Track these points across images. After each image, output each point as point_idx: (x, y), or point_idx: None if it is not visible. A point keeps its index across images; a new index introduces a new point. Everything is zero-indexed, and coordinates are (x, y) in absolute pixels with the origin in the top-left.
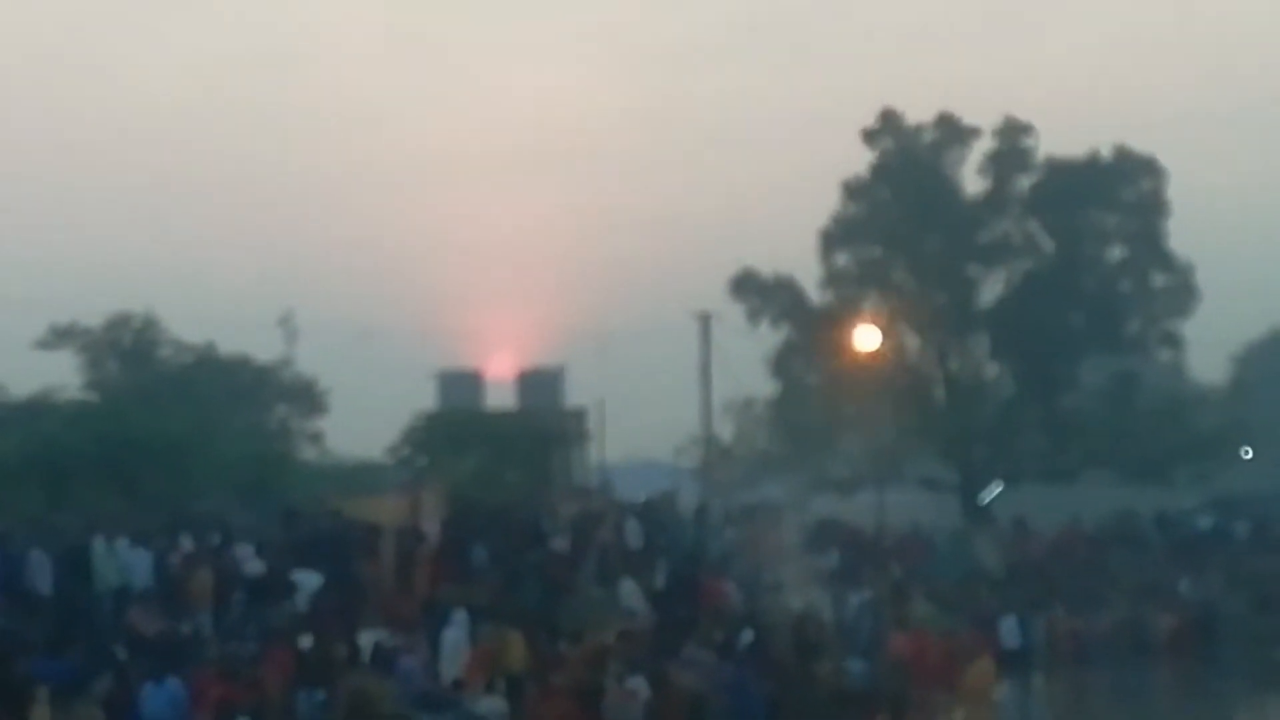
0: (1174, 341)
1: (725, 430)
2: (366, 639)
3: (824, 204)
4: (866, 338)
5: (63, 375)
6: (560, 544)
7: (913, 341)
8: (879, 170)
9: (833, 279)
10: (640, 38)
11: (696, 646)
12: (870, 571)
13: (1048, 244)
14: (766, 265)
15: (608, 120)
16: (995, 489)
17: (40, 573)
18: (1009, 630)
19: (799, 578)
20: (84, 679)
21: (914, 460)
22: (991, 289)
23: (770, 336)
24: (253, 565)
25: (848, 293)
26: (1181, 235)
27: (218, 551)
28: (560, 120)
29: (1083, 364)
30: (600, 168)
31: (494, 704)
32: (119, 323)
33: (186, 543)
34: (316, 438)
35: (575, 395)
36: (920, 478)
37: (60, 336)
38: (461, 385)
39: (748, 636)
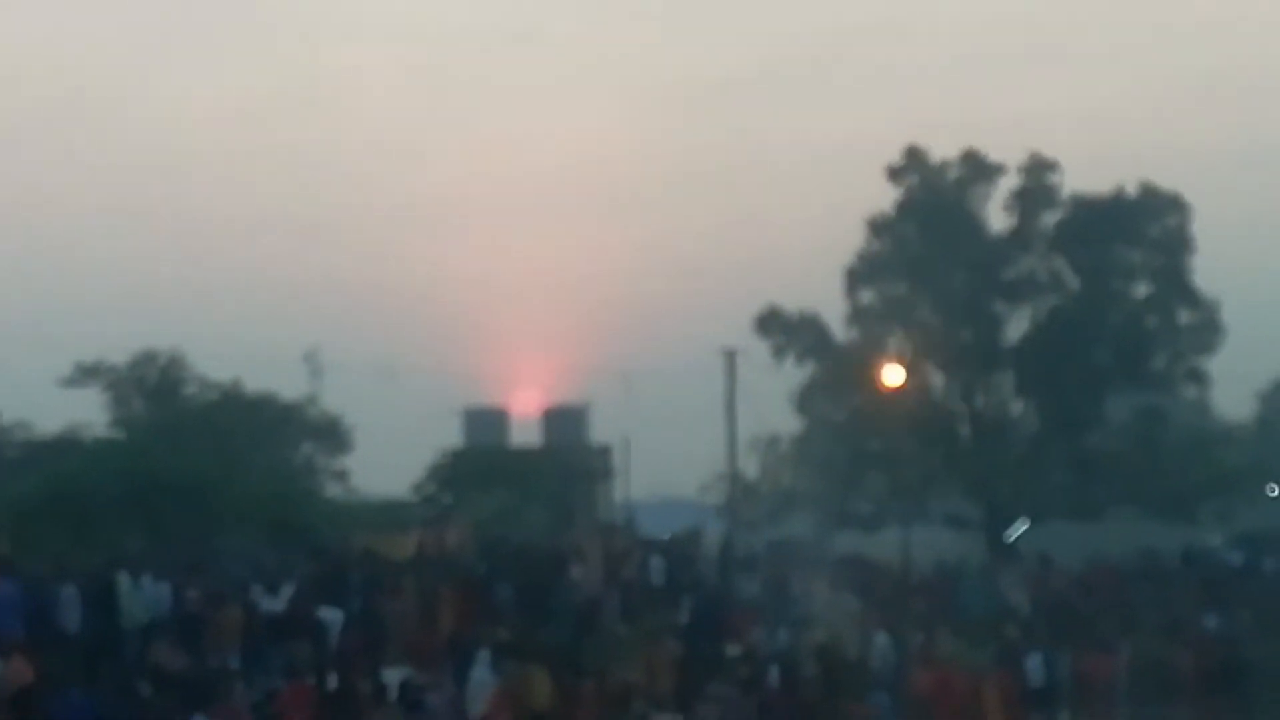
0: (1199, 378)
1: (750, 467)
2: (392, 677)
3: (849, 241)
4: (891, 374)
5: (88, 413)
6: (585, 581)
7: (938, 378)
8: (904, 207)
9: (857, 316)
10: (663, 76)
11: (722, 684)
12: (895, 608)
13: (1073, 281)
14: (791, 302)
15: (632, 158)
16: (1020, 526)
17: (69, 609)
18: (1034, 667)
19: (824, 615)
20: (111, 716)
21: (939, 497)
22: (1017, 326)
23: (795, 373)
24: (278, 603)
25: (872, 330)
26: (1207, 271)
27: (244, 588)
28: (584, 158)
29: (1108, 401)
30: (625, 205)
31: None
32: (144, 360)
33: (213, 580)
34: (342, 475)
35: (600, 432)
36: (945, 515)
37: (86, 374)
38: (486, 422)
39: (774, 674)
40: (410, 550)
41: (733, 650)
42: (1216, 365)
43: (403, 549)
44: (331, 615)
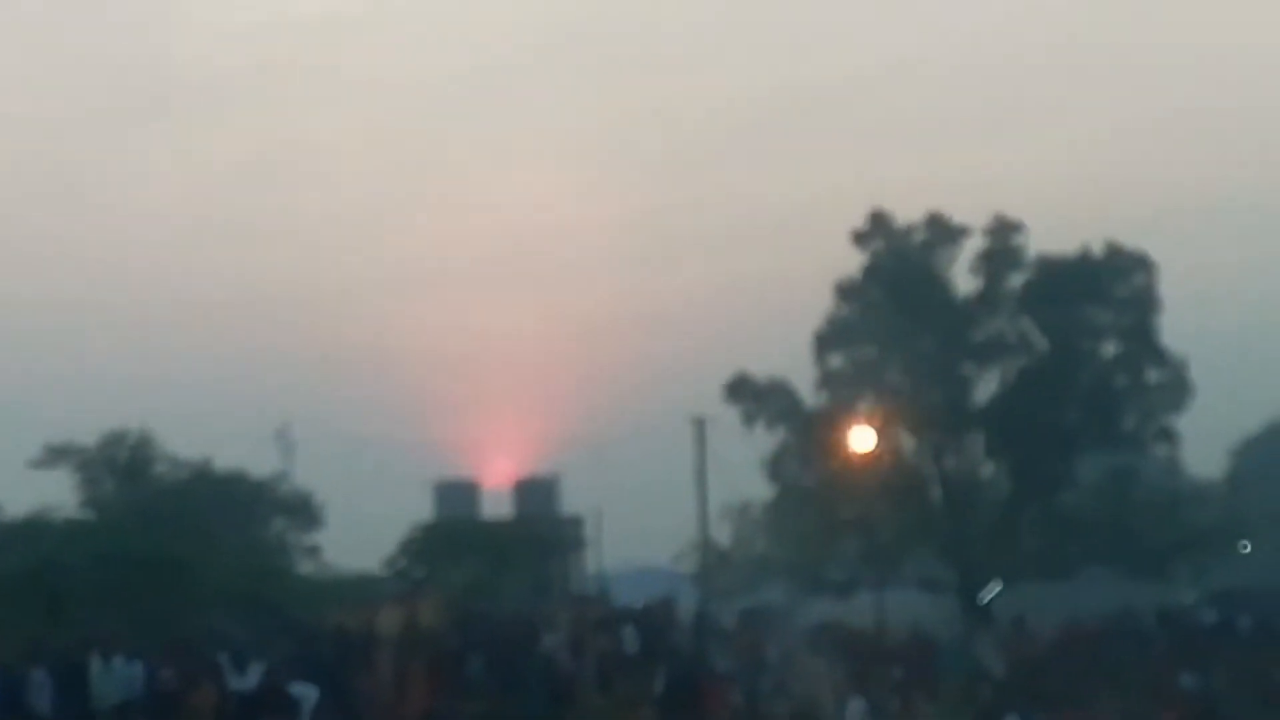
0: (1170, 436)
1: (723, 534)
2: None
3: (817, 306)
4: (862, 439)
5: (59, 494)
6: (558, 652)
7: (908, 441)
8: (870, 271)
9: (827, 380)
10: (629, 142)
11: None
12: (872, 674)
13: (1041, 341)
14: (760, 368)
15: (599, 225)
16: (994, 588)
17: (40, 692)
18: None
19: (799, 681)
20: None
21: (912, 560)
22: (986, 387)
23: (766, 439)
24: (251, 680)
25: (842, 394)
26: (1174, 330)
27: (216, 667)
28: (551, 226)
29: (1079, 461)
30: (593, 273)
31: None
32: (113, 440)
33: (186, 659)
34: (314, 551)
35: (572, 502)
36: (919, 578)
37: (55, 455)
38: (458, 495)
39: None
40: (383, 625)
41: (711, 717)
42: (1186, 423)
43: (374, 624)
44: (305, 691)
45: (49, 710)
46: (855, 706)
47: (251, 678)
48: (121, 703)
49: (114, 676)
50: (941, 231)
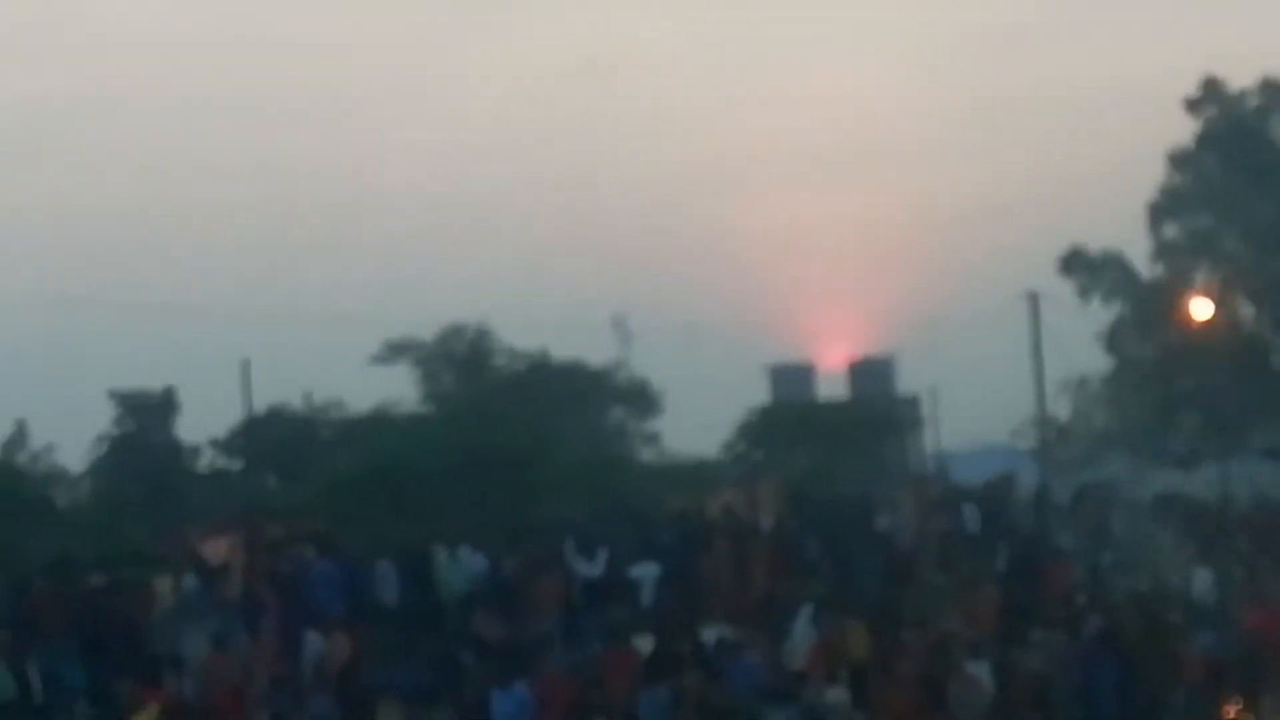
0: None
1: (1061, 409)
2: (709, 635)
3: (1150, 176)
4: (1200, 309)
5: (400, 389)
6: (897, 533)
7: (1247, 310)
8: (1204, 139)
9: (1163, 251)
10: (953, 24)
11: (1044, 629)
12: (1217, 545)
13: None
14: (1094, 242)
15: (927, 105)
16: None
17: (386, 583)
18: None
19: (1143, 555)
20: (433, 687)
21: (1256, 430)
22: None
23: (1101, 313)
24: (595, 567)
25: (1179, 264)
26: None
27: (559, 555)
28: (880, 112)
29: None
30: (922, 156)
31: (837, 694)
32: (452, 334)
33: (529, 548)
34: (652, 438)
35: (907, 382)
36: (1263, 448)
37: (395, 351)
38: (793, 378)
39: (1094, 620)
40: (722, 509)
41: (1053, 595)
42: None
43: (713, 508)
44: (646, 570)
45: (395, 601)
46: (1201, 577)
47: (598, 565)
48: (467, 593)
49: (459, 567)
50: (1276, 96)
